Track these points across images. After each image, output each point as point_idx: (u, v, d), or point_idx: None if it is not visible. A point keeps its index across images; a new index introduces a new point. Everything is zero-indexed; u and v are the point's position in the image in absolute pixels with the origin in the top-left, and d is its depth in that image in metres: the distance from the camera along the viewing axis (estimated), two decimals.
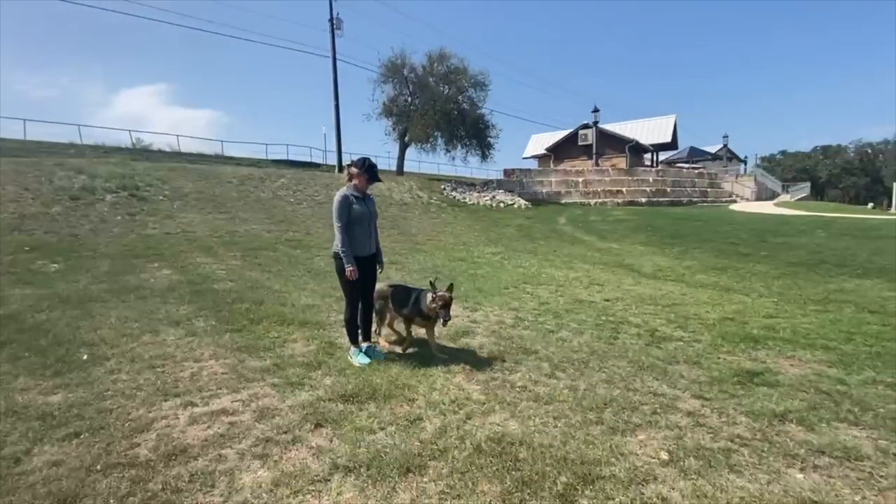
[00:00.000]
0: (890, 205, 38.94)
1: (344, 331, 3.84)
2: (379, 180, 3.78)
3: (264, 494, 2.01)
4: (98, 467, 2.20)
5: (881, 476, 2.11)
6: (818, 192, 55.00)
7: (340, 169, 23.81)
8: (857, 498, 1.97)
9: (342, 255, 3.49)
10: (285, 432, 2.52)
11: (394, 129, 24.82)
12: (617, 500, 1.94)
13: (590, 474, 2.11)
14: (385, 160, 34.78)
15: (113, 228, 10.09)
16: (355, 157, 3.74)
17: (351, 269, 3.47)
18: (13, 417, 2.67)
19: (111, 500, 1.97)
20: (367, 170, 3.63)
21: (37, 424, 2.60)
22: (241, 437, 2.48)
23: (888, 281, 7.27)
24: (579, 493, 1.99)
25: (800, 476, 2.12)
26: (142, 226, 10.56)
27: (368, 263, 3.68)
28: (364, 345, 3.73)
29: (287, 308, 5.19)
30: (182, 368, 3.45)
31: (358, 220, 3.57)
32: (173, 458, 2.28)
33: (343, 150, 24.06)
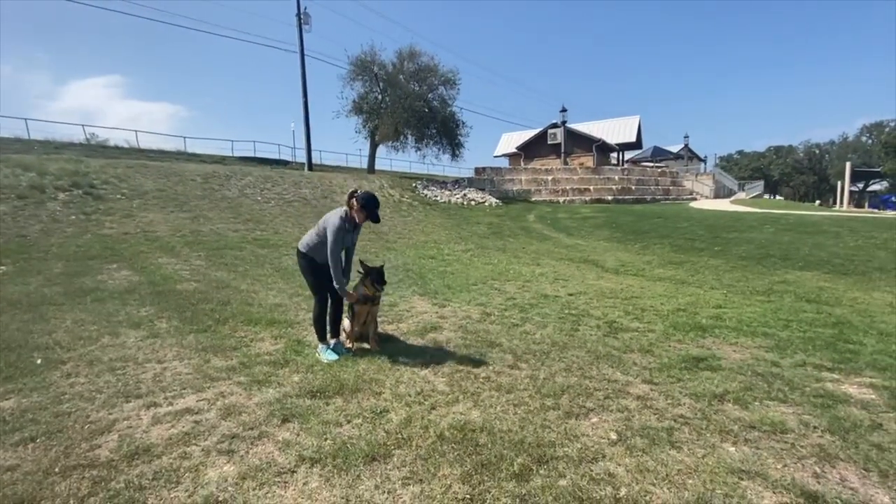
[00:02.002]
0: (835, 202, 41.73)
1: (312, 328, 3.88)
2: (377, 221, 3.61)
3: (230, 488, 2.04)
4: (56, 470, 2.17)
5: (801, 446, 2.35)
6: (771, 190, 58.25)
7: (310, 167, 23.43)
8: (780, 466, 2.19)
9: (337, 288, 3.56)
10: (251, 428, 2.55)
11: (364, 127, 24.66)
12: (568, 477, 2.09)
13: (544, 455, 2.25)
14: (356, 158, 34.45)
15: (66, 228, 9.62)
16: (360, 192, 3.57)
17: (353, 293, 3.68)
18: None
19: (71, 501, 1.96)
20: (370, 210, 3.52)
21: None
22: (206, 435, 2.49)
23: (825, 272, 7.87)
24: (534, 472, 2.12)
25: (732, 449, 2.34)
26: (98, 225, 10.12)
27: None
28: (332, 341, 3.78)
29: (254, 307, 5.15)
30: (144, 370, 3.40)
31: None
32: (136, 457, 2.27)
33: (312, 147, 23.68)
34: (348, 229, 3.56)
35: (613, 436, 2.45)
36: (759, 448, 2.34)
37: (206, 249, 8.96)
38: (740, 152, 74.57)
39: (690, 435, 2.47)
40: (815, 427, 2.55)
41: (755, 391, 3.01)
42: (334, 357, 3.60)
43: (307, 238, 3.68)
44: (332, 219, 3.49)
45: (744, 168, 66.55)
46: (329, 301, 3.78)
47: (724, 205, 23.20)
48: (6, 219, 9.51)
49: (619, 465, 2.19)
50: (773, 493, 1.99)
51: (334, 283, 3.54)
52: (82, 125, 28.64)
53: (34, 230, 9.22)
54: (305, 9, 22.78)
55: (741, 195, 34.81)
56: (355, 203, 3.51)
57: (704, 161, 46.44)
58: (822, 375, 3.30)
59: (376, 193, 3.97)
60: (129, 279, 6.47)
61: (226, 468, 2.19)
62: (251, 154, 29.61)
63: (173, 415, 2.71)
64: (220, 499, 1.97)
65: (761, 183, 45.06)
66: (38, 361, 3.51)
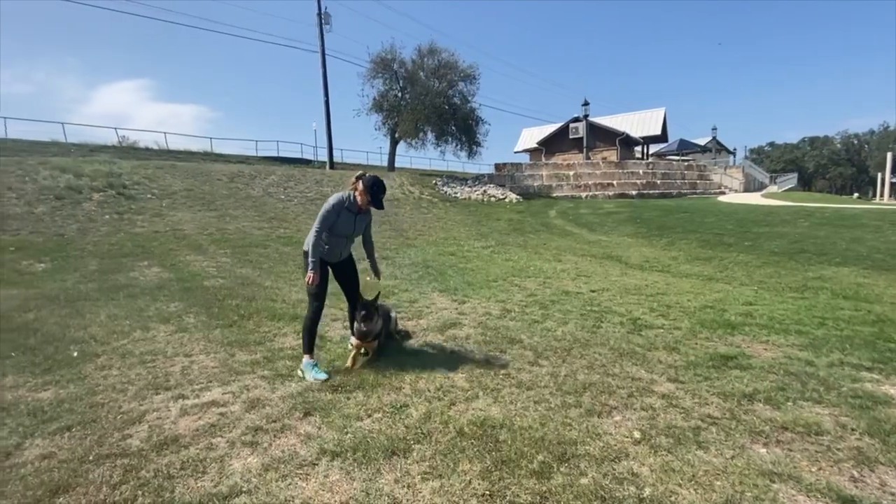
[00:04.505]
0: (875, 194, 39.67)
1: (320, 331, 3.63)
2: (381, 207, 3.39)
3: (254, 479, 2.09)
4: (90, 458, 2.26)
5: (838, 449, 2.24)
6: (805, 183, 55.82)
7: (332, 165, 23.74)
8: (815, 469, 2.09)
9: (310, 259, 3.25)
10: (275, 421, 2.60)
11: (384, 125, 24.79)
12: (590, 475, 2.05)
13: (565, 453, 2.22)
14: (377, 156, 34.73)
15: (101, 227, 10.03)
16: (367, 175, 3.38)
17: (311, 274, 3.24)
18: (2, 414, 2.72)
19: (104, 488, 2.03)
20: (373, 194, 3.29)
21: (27, 420, 2.64)
22: (231, 427, 2.55)
23: (864, 268, 7.49)
24: (554, 469, 2.09)
25: (763, 451, 2.24)
26: (130, 224, 10.51)
27: (338, 267, 3.56)
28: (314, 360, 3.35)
29: (278, 303, 5.25)
30: (173, 363, 3.51)
31: (338, 232, 3.36)
32: (165, 447, 2.35)
33: (334, 145, 24.00)
34: (350, 209, 3.33)
35: (637, 435, 2.39)
36: (792, 450, 2.24)
37: (231, 247, 9.19)
38: (772, 144, 71.78)
39: (718, 435, 2.39)
40: (852, 429, 2.42)
41: (788, 391, 2.89)
42: (323, 377, 3.16)
43: (309, 236, 3.37)
44: (330, 198, 3.32)
45: (776, 160, 64.03)
46: (322, 311, 3.46)
47: (754, 199, 22.38)
48: (45, 218, 9.98)
49: (643, 464, 2.13)
50: (807, 496, 1.90)
51: (308, 249, 3.26)
52: (115, 128, 29.93)
53: (71, 229, 9.64)
54: (326, 9, 23.06)
55: (773, 188, 33.50)
56: (360, 185, 3.30)
57: (733, 153, 44.89)
58: (860, 375, 3.14)
59: (396, 190, 3.91)
60: (159, 276, 6.70)
61: (249, 459, 2.24)
62: (275, 154, 30.21)
63: (200, 407, 2.79)
64: (243, 489, 2.01)
65: (795, 175, 43.24)
66: (75, 354, 3.67)
